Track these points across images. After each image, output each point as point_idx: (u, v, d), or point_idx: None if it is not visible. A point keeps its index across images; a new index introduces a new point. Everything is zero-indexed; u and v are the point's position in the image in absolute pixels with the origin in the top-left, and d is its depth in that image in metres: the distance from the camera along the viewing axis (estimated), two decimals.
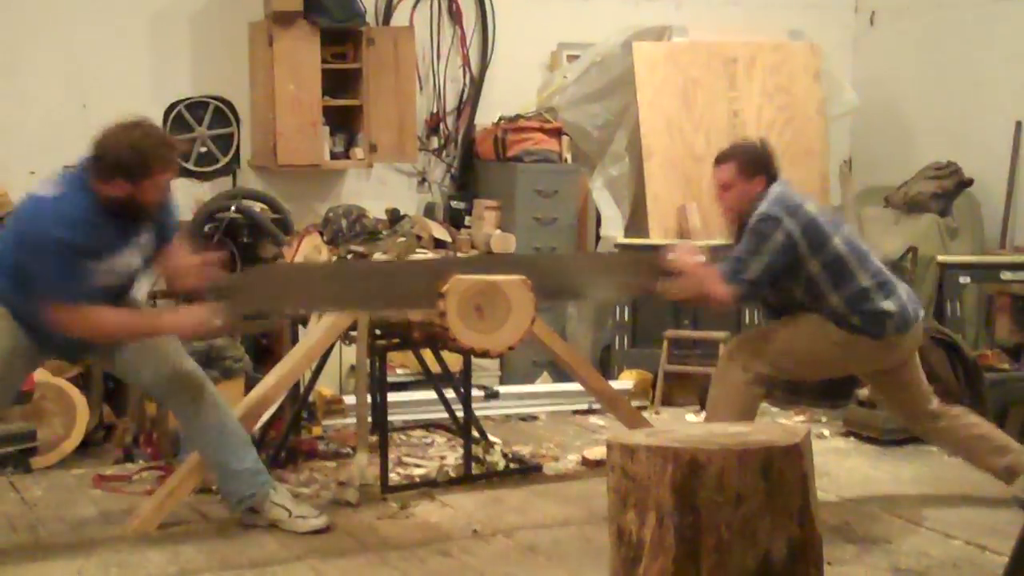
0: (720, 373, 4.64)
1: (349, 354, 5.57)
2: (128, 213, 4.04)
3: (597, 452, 5.34)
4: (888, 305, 4.44)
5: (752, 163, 4.55)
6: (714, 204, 6.58)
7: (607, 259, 5.95)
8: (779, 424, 5.57)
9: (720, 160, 4.62)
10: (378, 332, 4.96)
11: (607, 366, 6.97)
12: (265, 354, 5.85)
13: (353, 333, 4.95)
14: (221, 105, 6.82)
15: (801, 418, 6.29)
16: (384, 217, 5.84)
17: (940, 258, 6.85)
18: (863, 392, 5.78)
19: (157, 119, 6.43)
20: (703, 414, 6.28)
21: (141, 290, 4.53)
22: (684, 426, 5.82)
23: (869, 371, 4.66)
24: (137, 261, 4.17)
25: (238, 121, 6.86)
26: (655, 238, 7.21)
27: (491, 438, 5.49)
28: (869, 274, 4.46)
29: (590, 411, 6.36)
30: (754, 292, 4.47)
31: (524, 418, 6.34)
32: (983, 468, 4.72)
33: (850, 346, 4.46)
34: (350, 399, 5.70)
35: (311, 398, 5.56)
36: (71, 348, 4.32)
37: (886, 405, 4.89)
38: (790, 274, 4.42)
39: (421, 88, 7.29)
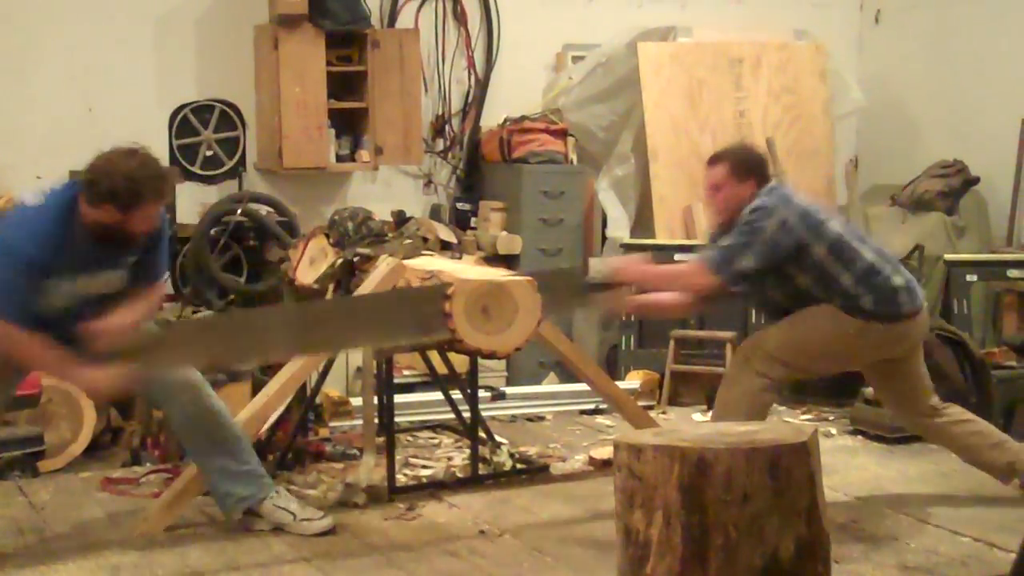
0: (733, 375, 4.58)
1: (356, 356, 5.58)
2: (112, 240, 3.95)
3: (604, 452, 5.33)
4: (898, 280, 4.41)
5: (744, 165, 4.49)
6: None
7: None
8: (786, 423, 5.56)
9: (712, 161, 4.58)
10: None
11: (614, 366, 6.96)
12: None
13: None
14: (227, 108, 6.83)
15: (808, 417, 6.28)
16: (390, 219, 5.84)
17: (947, 256, 6.87)
18: (869, 391, 5.77)
19: (163, 122, 6.45)
20: (710, 413, 6.30)
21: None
22: (691, 426, 5.82)
23: (879, 360, 4.60)
24: (106, 289, 4.05)
25: (244, 124, 6.86)
26: (661, 239, 7.22)
27: (498, 439, 5.49)
28: (871, 250, 4.44)
29: (597, 411, 6.35)
30: (739, 281, 4.38)
31: (531, 418, 6.33)
32: (982, 465, 4.71)
33: (864, 335, 4.41)
34: (357, 401, 5.70)
35: (318, 400, 5.56)
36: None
37: (886, 400, 4.85)
38: (796, 264, 4.36)
39: (426, 90, 7.30)
